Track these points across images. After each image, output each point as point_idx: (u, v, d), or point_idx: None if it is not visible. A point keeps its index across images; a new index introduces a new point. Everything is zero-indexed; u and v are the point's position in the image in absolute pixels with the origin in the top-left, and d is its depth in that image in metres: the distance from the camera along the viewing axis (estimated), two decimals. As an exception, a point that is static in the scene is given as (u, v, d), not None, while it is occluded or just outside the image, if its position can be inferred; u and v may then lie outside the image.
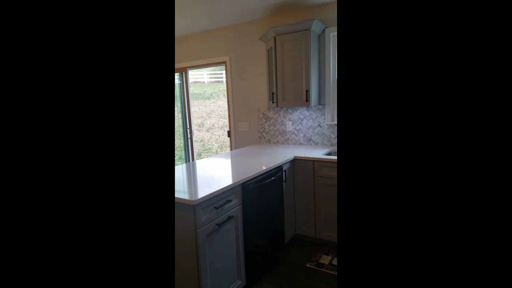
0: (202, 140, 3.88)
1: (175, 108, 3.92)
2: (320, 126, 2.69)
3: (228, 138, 3.39)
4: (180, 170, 1.93)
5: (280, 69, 2.51)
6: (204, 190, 1.44)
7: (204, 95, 3.76)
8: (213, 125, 3.89)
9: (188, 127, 3.72)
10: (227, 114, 3.36)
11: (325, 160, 2.15)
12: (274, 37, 2.49)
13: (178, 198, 1.36)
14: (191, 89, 3.64)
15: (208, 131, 4.00)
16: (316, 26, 2.38)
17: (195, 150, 3.79)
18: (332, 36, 2.54)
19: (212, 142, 4.05)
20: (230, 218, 1.57)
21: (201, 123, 3.83)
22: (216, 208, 1.48)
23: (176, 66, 3.56)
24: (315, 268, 2.00)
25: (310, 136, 2.77)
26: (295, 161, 2.30)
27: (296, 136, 2.85)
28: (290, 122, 2.85)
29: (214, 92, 3.84)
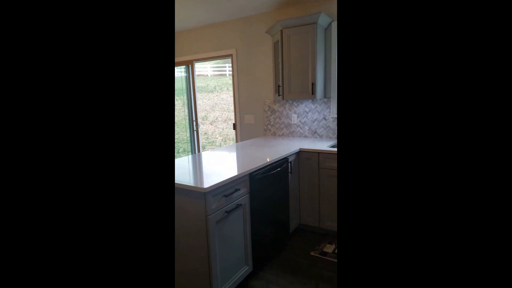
0: (205, 133, 3.93)
1: (181, 101, 3.96)
2: (325, 119, 2.73)
3: (234, 130, 3.44)
4: (189, 161, 1.99)
5: (286, 62, 2.54)
6: (213, 179, 1.50)
7: (208, 88, 3.79)
8: (217, 118, 3.93)
9: (194, 119, 3.78)
10: (233, 107, 3.40)
11: (330, 152, 2.20)
12: (281, 30, 2.51)
13: (190, 186, 1.42)
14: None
15: (211, 124, 4.05)
16: (322, 20, 2.39)
17: (200, 143, 3.85)
18: (338, 30, 2.56)
19: (216, 135, 4.09)
20: (238, 206, 1.63)
21: (205, 116, 3.88)
22: (226, 196, 1.54)
23: (183, 59, 3.59)
24: (319, 256, 2.06)
25: (315, 129, 2.81)
26: (300, 153, 2.35)
27: (301, 128, 2.89)
28: (296, 115, 2.89)
29: (218, 85, 3.87)
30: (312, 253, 2.10)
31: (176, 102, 4.08)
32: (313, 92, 2.45)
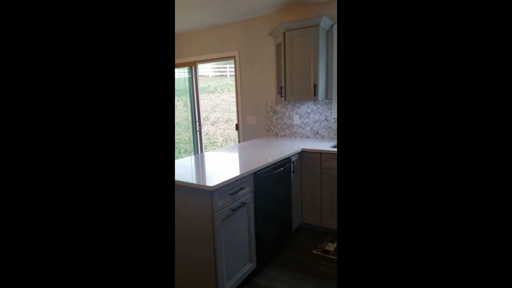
0: (207, 133, 3.96)
1: (182, 102, 4.01)
2: (327, 120, 2.78)
3: (236, 131, 3.48)
4: (193, 160, 2.04)
5: (288, 64, 2.58)
6: (219, 178, 1.54)
7: (209, 89, 3.83)
8: (218, 118, 3.96)
9: (197, 120, 3.82)
10: (234, 108, 3.44)
11: (332, 152, 2.24)
12: (284, 33, 2.56)
13: (197, 184, 1.46)
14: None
15: (213, 125, 4.08)
16: (325, 23, 2.44)
17: (203, 143, 3.89)
18: (340, 32, 2.60)
19: (217, 136, 4.13)
20: (243, 204, 1.68)
21: (206, 116, 3.91)
22: (231, 194, 1.58)
23: (186, 60, 3.64)
24: (321, 254, 2.10)
25: (317, 130, 2.85)
26: (302, 153, 2.39)
27: (303, 129, 2.93)
28: (297, 116, 2.94)
29: (218, 86, 3.91)
30: (314, 251, 2.14)
31: (177, 103, 4.12)
32: (315, 94, 2.50)
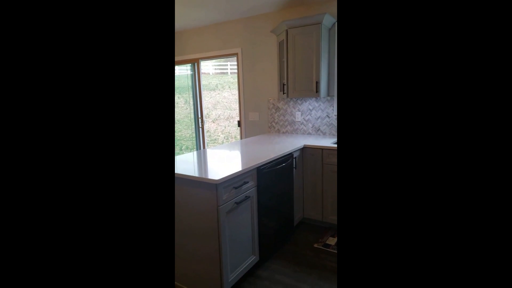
0: (208, 130, 4.00)
1: (183, 99, 4.03)
2: (329, 117, 2.81)
3: (238, 128, 3.52)
4: (197, 155, 2.07)
5: (291, 61, 2.61)
6: (224, 171, 1.58)
7: (209, 86, 3.86)
8: (219, 116, 3.99)
9: (199, 116, 3.85)
10: (235, 105, 3.47)
11: (333, 148, 2.27)
12: (286, 30, 2.59)
13: (203, 178, 1.50)
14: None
15: (214, 122, 4.11)
16: (327, 20, 2.47)
17: (205, 140, 3.92)
18: (342, 30, 2.63)
19: (218, 133, 4.17)
20: (246, 198, 1.72)
21: (207, 114, 3.94)
22: (235, 188, 1.62)
23: (189, 57, 3.67)
24: (322, 248, 2.15)
25: (318, 126, 2.89)
26: (304, 149, 2.43)
27: (305, 126, 2.97)
28: (299, 113, 2.97)
29: (219, 83, 3.94)
30: (315, 245, 2.19)
31: (178, 100, 4.15)
32: (317, 90, 2.53)
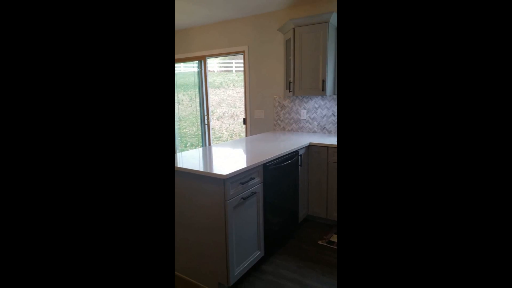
0: (212, 128, 4.03)
1: (188, 96, 4.07)
2: (334, 115, 2.83)
3: (242, 126, 3.54)
4: (205, 152, 2.10)
5: (297, 59, 2.63)
6: (231, 167, 1.61)
7: (214, 84, 3.89)
8: (223, 113, 4.02)
9: (205, 113, 3.88)
10: (239, 103, 3.49)
11: (339, 146, 2.29)
12: (293, 29, 2.60)
13: (211, 173, 1.53)
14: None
15: (218, 120, 4.14)
16: (334, 19, 2.48)
17: (211, 136, 3.96)
18: (349, 29, 2.64)
19: (222, 131, 4.20)
20: (253, 193, 1.74)
21: (212, 111, 3.98)
22: (242, 183, 1.64)
23: (195, 54, 3.69)
24: (326, 245, 2.17)
25: (324, 125, 2.90)
26: (310, 147, 2.45)
27: (311, 124, 2.98)
28: (305, 111, 2.99)
29: (224, 81, 3.96)
30: (319, 242, 2.21)
31: (184, 98, 4.19)
32: (323, 89, 2.55)
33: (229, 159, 1.81)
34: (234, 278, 1.64)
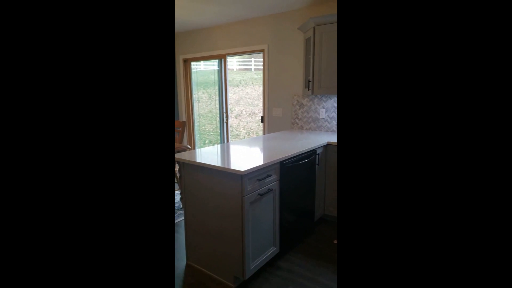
0: (230, 126, 4.09)
1: (207, 94, 4.14)
2: (353, 115, 2.79)
3: (260, 124, 3.57)
4: (223, 148, 2.15)
5: (317, 58, 2.62)
6: (248, 164, 1.64)
7: (233, 82, 3.93)
8: (241, 112, 4.06)
9: (224, 111, 3.95)
10: (258, 101, 3.51)
11: (357, 146, 2.26)
12: (314, 27, 2.59)
13: (229, 169, 1.57)
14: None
15: (236, 118, 4.19)
16: (356, 17, 2.45)
17: (229, 134, 4.02)
18: (371, 27, 2.60)
19: (240, 129, 4.24)
20: (269, 190, 1.77)
21: (230, 109, 4.03)
22: (259, 180, 1.67)
23: (216, 52, 3.76)
24: (342, 245, 2.16)
25: (342, 124, 2.87)
26: (328, 146, 2.44)
27: (329, 123, 2.96)
28: (324, 110, 2.97)
29: (243, 79, 4.00)
30: (334, 241, 2.20)
31: (203, 95, 4.27)
32: (343, 88, 2.52)
33: (247, 156, 1.84)
34: (249, 272, 1.68)
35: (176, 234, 2.38)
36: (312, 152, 2.22)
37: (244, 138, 4.01)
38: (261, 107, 3.55)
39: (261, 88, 3.50)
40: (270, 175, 1.77)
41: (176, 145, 2.82)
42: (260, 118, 3.62)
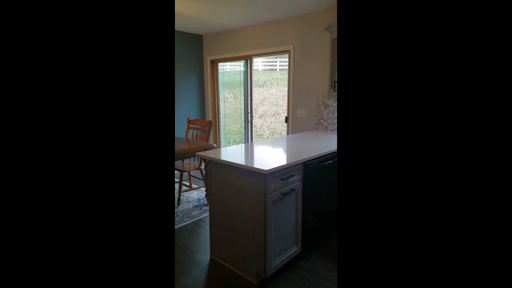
0: (254, 126, 4.13)
1: (232, 94, 4.22)
2: (380, 116, 2.72)
3: (284, 124, 3.58)
4: (248, 147, 2.20)
5: (344, 59, 2.58)
6: (271, 163, 1.67)
7: (258, 83, 3.96)
8: (265, 112, 4.09)
9: (249, 111, 4.01)
10: (282, 101, 3.52)
11: (384, 148, 2.21)
12: (341, 27, 2.56)
13: (252, 167, 1.61)
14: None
15: (260, 118, 4.23)
16: (385, 16, 2.39)
17: (254, 134, 4.07)
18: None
19: (264, 129, 4.27)
20: (292, 190, 1.79)
21: (254, 109, 4.08)
22: (282, 180, 1.70)
23: (242, 53, 3.83)
24: (366, 248, 2.12)
25: (368, 126, 2.81)
26: (352, 148, 2.40)
27: (354, 124, 2.91)
28: (349, 111, 2.92)
29: (268, 80, 4.02)
30: (358, 245, 2.17)
31: (228, 96, 4.36)
32: (370, 89, 2.47)
33: (271, 156, 1.87)
34: (271, 270, 1.71)
35: (201, 230, 2.46)
36: (336, 154, 2.20)
37: (268, 138, 4.04)
38: (285, 108, 3.56)
39: (286, 88, 3.51)
40: (293, 175, 1.79)
41: (203, 143, 2.91)
42: (284, 118, 3.64)
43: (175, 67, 3.97)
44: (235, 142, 4.44)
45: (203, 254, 2.09)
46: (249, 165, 1.64)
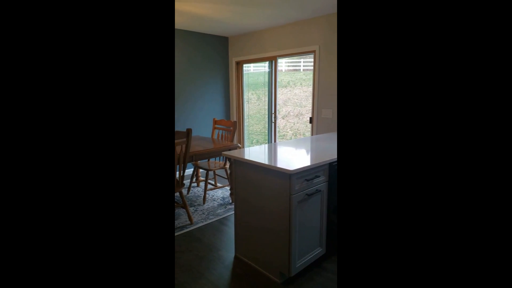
0: (277, 126, 4.13)
1: (256, 95, 4.25)
2: (410, 117, 2.62)
3: (308, 125, 3.55)
4: (272, 148, 2.22)
5: (371, 58, 2.52)
6: (296, 163, 1.68)
7: (281, 83, 3.96)
8: (289, 112, 4.07)
9: (273, 112, 4.03)
10: (309, 101, 3.49)
11: (414, 150, 2.13)
12: (368, 26, 2.51)
13: (277, 167, 1.62)
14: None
15: (283, 119, 4.22)
16: (416, 13, 2.30)
17: (277, 134, 4.08)
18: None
19: (287, 129, 4.26)
20: (317, 191, 1.78)
21: (277, 110, 4.08)
22: (307, 180, 1.70)
23: (266, 54, 3.85)
24: (393, 253, 2.06)
25: (397, 127, 2.72)
26: (380, 149, 2.34)
27: (382, 125, 2.83)
28: (376, 111, 2.85)
29: (291, 80, 4.00)
30: (385, 249, 2.11)
31: (252, 96, 4.40)
32: (399, 88, 2.39)
33: (296, 156, 1.88)
34: (295, 269, 1.72)
35: (225, 227, 2.52)
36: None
37: (291, 138, 4.03)
38: (309, 108, 3.53)
39: (310, 88, 3.49)
40: (319, 176, 1.78)
41: (228, 143, 2.98)
42: (308, 119, 3.61)
43: (201, 69, 4.08)
44: (258, 143, 4.47)
45: (228, 251, 2.14)
46: (274, 164, 1.66)
